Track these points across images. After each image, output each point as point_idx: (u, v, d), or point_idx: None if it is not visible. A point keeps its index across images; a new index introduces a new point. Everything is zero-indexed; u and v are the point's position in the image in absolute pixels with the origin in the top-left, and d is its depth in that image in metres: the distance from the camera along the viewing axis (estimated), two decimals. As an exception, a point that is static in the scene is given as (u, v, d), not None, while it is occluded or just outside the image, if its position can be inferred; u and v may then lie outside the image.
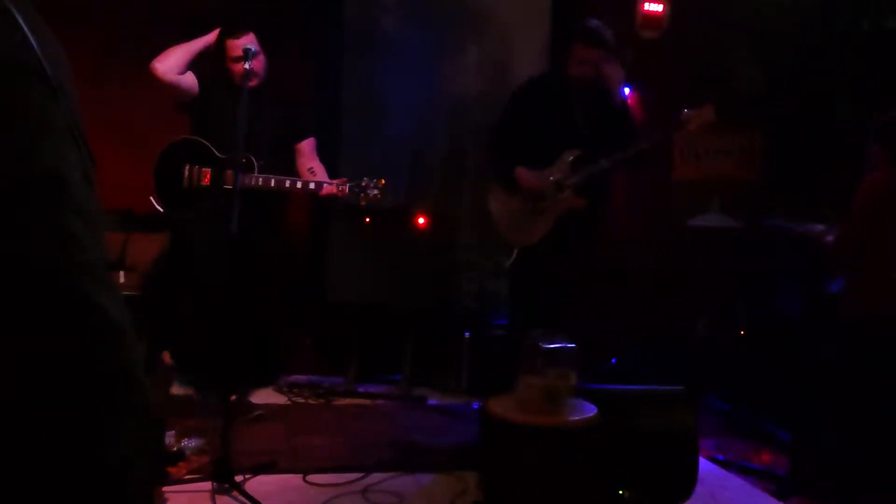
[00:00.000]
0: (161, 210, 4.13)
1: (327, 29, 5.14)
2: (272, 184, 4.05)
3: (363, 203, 4.06)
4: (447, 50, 5.32)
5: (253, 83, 4.00)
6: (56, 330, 0.70)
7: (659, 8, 5.37)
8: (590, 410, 2.87)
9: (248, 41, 4.08)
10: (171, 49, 4.07)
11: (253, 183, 4.01)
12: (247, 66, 3.60)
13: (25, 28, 0.70)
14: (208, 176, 4.15)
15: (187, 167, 4.16)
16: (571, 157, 4.06)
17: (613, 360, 5.27)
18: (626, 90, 5.47)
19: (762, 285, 5.21)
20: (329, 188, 4.05)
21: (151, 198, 4.15)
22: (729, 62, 5.55)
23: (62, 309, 0.70)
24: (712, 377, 4.97)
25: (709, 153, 5.67)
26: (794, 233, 4.30)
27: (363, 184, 4.02)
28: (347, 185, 4.04)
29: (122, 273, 4.62)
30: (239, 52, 4.04)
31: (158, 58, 4.04)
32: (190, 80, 4.16)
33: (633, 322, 5.40)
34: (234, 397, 4.17)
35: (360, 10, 5.26)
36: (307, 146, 4.35)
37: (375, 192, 4.01)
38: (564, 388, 2.80)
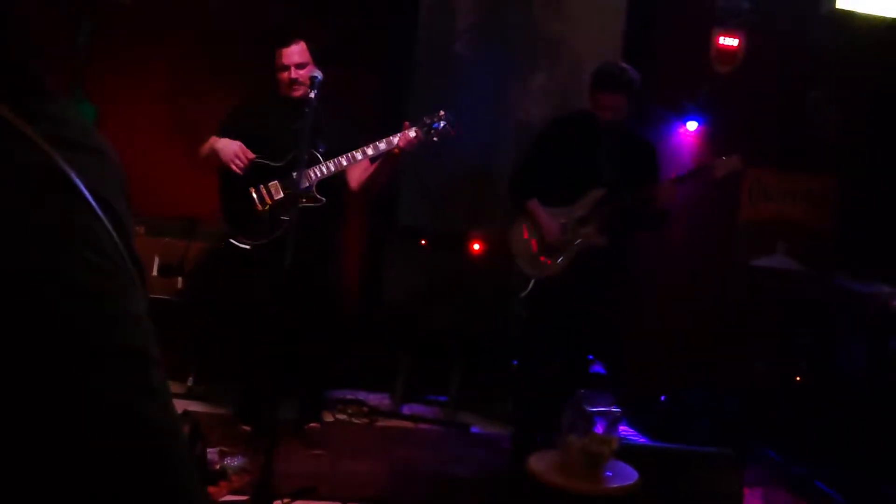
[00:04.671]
0: (249, 247, 3.87)
1: (399, 45, 5.14)
2: (344, 164, 3.85)
3: (435, 139, 3.83)
4: (517, 75, 5.28)
5: (299, 93, 3.87)
6: None
7: (734, 42, 5.23)
8: (631, 476, 2.83)
9: (299, 51, 3.91)
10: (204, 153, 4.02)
11: (325, 172, 3.84)
12: (312, 94, 3.53)
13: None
14: (279, 188, 3.90)
15: (253, 191, 3.90)
16: (596, 196, 4.13)
17: (663, 398, 5.18)
18: (696, 124, 5.39)
19: (823, 335, 5.05)
20: (404, 138, 3.79)
21: (233, 241, 3.91)
22: (806, 101, 5.38)
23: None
24: (765, 425, 4.84)
25: (780, 194, 5.50)
26: (861, 293, 4.18)
27: (427, 121, 3.81)
28: (414, 128, 3.79)
29: (180, 279, 4.72)
30: (286, 61, 3.90)
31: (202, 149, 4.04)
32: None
33: (687, 359, 5.30)
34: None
35: (434, 30, 5.24)
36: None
37: (444, 124, 3.80)
38: (606, 453, 2.76)
